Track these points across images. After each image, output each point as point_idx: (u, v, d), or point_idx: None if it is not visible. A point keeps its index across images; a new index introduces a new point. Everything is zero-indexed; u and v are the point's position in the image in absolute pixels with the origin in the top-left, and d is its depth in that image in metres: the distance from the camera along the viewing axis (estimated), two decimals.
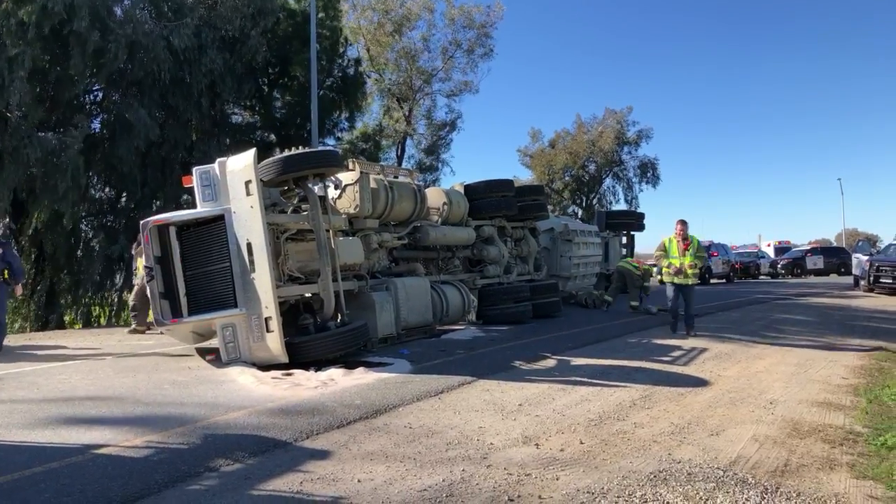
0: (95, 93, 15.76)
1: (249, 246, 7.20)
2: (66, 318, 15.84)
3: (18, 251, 15.08)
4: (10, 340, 9.91)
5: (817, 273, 33.37)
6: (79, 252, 15.21)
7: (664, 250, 10.22)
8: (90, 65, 13.02)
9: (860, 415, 5.43)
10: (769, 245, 40.75)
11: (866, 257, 21.32)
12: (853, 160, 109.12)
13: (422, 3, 28.48)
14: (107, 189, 16.20)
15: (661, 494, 3.59)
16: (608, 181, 42.60)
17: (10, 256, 8.78)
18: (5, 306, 9.03)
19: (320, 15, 19.81)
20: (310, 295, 8.27)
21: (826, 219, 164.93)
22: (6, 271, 8.59)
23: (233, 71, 16.17)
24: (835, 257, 34.93)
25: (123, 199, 16.16)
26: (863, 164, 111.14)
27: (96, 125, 15.35)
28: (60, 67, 13.02)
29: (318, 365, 7.25)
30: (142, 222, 7.89)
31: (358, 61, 22.81)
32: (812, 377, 7.10)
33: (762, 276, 33.04)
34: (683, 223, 10.15)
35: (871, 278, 19.56)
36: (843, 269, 32.32)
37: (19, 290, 9.42)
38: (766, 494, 3.61)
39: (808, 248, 37.64)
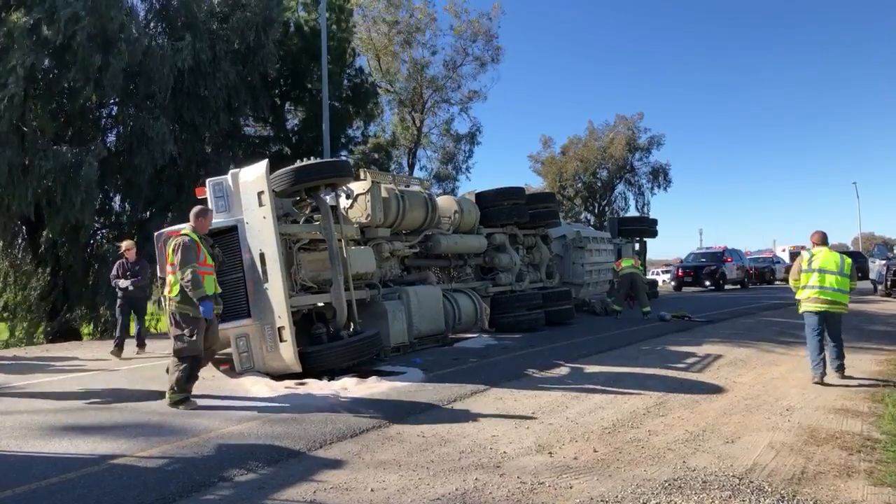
0: (111, 107, 15.97)
1: (262, 256, 7.25)
2: (84, 330, 16.01)
3: (35, 263, 15.31)
4: (27, 352, 10.05)
5: None
6: (95, 265, 15.36)
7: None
8: (100, 77, 13.14)
9: (879, 421, 5.35)
10: (784, 250, 40.27)
11: (883, 262, 21.01)
12: (869, 163, 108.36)
13: (429, 13, 28.69)
14: (127, 202, 16.37)
15: (675, 503, 3.56)
16: (620, 187, 42.58)
17: None
18: None
19: (332, 27, 19.99)
20: (322, 304, 8.30)
21: (842, 223, 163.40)
22: None
23: (246, 83, 16.34)
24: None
25: (139, 211, 16.34)
26: (879, 168, 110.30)
27: (111, 139, 15.59)
28: (72, 81, 13.17)
29: (331, 374, 7.27)
30: (156, 234, 7.98)
31: (369, 73, 22.98)
32: (829, 383, 7.01)
33: (777, 282, 32.68)
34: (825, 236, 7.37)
35: (889, 283, 19.28)
36: (860, 274, 31.79)
37: None
38: (783, 502, 3.57)
39: None
